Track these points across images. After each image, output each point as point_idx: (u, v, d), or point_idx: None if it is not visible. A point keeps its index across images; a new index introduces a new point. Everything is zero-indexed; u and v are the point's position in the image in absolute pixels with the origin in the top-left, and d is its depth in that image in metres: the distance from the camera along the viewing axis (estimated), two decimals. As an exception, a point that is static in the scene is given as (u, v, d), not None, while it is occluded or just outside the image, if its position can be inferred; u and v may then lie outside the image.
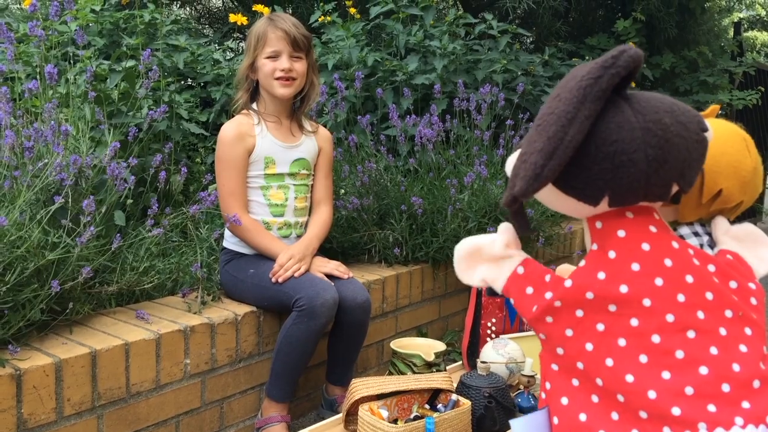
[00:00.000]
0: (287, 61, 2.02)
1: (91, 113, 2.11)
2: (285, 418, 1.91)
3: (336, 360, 2.07)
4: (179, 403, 1.80)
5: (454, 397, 1.59)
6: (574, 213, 1.05)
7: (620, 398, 0.96)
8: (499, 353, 1.79)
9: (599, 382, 0.98)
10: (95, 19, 2.88)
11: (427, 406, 1.62)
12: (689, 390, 0.94)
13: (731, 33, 6.17)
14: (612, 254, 1.01)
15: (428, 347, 1.91)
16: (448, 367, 1.99)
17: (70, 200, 1.74)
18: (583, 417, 0.99)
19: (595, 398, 0.99)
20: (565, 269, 1.10)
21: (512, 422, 1.05)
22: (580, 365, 1.00)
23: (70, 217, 1.72)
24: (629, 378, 0.96)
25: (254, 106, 2.11)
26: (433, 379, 1.63)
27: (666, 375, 0.95)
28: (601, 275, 1.00)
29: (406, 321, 2.53)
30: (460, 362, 2.07)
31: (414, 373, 1.82)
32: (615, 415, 0.97)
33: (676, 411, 0.93)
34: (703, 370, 0.95)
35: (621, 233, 1.02)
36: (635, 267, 1.00)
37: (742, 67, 5.03)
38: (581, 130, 0.92)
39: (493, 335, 1.98)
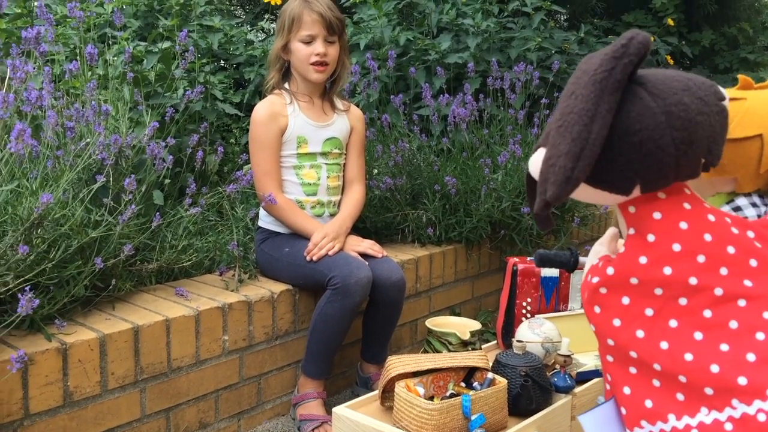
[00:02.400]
0: (322, 45, 2.02)
1: (130, 94, 2.13)
2: (321, 395, 1.93)
3: (371, 338, 2.08)
4: (218, 378, 1.83)
5: (490, 375, 1.60)
6: (606, 202, 1.05)
7: (682, 379, 0.96)
8: (535, 333, 1.79)
9: (657, 367, 0.98)
10: (130, 0, 2.91)
11: (462, 384, 1.63)
12: (751, 357, 0.94)
13: (773, 8, 5.97)
14: (651, 238, 1.01)
15: (463, 326, 1.92)
16: (482, 347, 2.00)
17: (111, 179, 1.77)
18: (648, 403, 0.99)
19: (656, 382, 0.98)
20: (612, 234, 1.09)
21: (580, 418, 1.05)
22: (633, 354, 1.00)
23: (111, 196, 1.76)
24: (688, 357, 0.96)
25: (286, 85, 2.12)
26: (469, 357, 1.63)
27: (724, 347, 0.95)
28: (643, 260, 1.00)
29: (440, 301, 2.54)
30: (495, 342, 2.07)
31: (449, 351, 1.83)
32: (680, 396, 0.96)
33: (742, 381, 0.92)
34: (760, 336, 0.94)
35: (657, 215, 1.01)
36: (676, 248, 0.99)
37: (784, 44, 4.88)
38: (605, 125, 0.91)
39: (528, 315, 1.97)
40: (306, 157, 2.08)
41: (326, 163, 2.11)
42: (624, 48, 0.91)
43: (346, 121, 2.16)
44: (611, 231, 1.12)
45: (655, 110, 0.93)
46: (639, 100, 0.94)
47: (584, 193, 1.02)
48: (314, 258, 1.94)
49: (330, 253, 1.95)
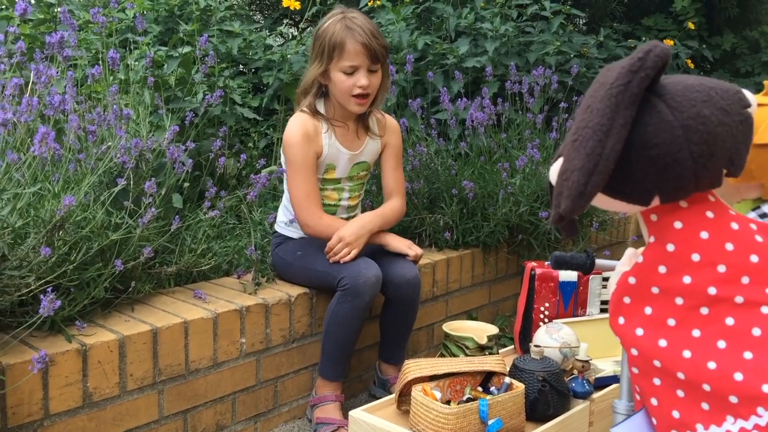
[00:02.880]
0: (365, 77, 1.91)
1: (151, 98, 2.16)
2: (339, 398, 1.94)
3: (388, 338, 2.08)
4: (235, 380, 1.84)
5: (507, 380, 1.59)
6: (627, 211, 1.05)
7: (706, 388, 0.96)
8: (553, 338, 1.78)
9: (681, 376, 0.98)
10: (151, 6, 2.94)
11: (479, 389, 1.62)
12: None
13: (796, 11, 5.89)
14: (670, 247, 1.00)
15: (480, 330, 1.91)
16: (500, 351, 1.99)
17: (131, 182, 1.79)
18: (676, 414, 0.99)
19: (680, 393, 0.98)
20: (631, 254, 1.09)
21: (613, 430, 1.05)
22: (657, 363, 1.00)
23: (131, 199, 1.78)
24: (711, 365, 0.95)
25: (321, 109, 2.02)
26: (486, 361, 1.63)
27: (748, 355, 0.94)
28: (662, 269, 1.00)
29: (456, 305, 2.53)
30: (512, 347, 2.07)
31: (466, 355, 1.83)
32: (705, 406, 0.97)
33: (767, 388, 0.92)
34: None
35: (678, 225, 1.00)
36: (695, 258, 0.98)
37: (807, 47, 4.81)
38: (619, 140, 0.91)
39: (546, 320, 1.96)
40: (331, 181, 2.06)
41: (350, 185, 2.09)
42: (641, 61, 0.91)
43: (378, 143, 2.11)
44: (629, 252, 1.12)
45: (673, 124, 0.93)
46: (657, 113, 0.94)
47: (604, 202, 1.02)
48: (331, 261, 1.93)
49: (346, 259, 1.91)
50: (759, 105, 1.22)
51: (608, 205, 1.02)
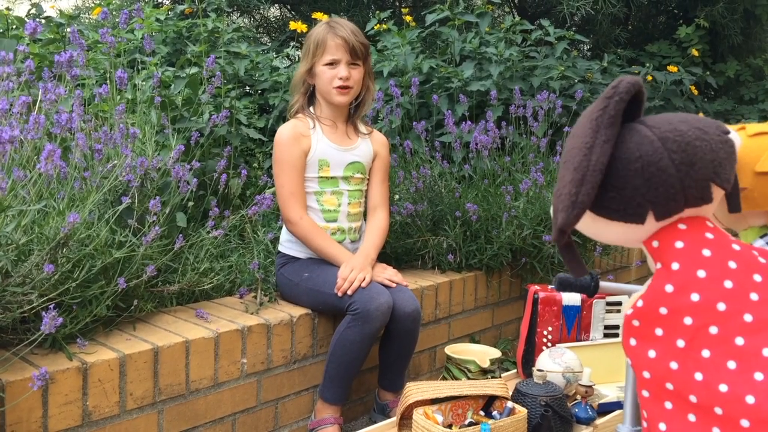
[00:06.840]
0: (345, 69, 2.03)
1: (157, 118, 2.17)
2: (338, 420, 1.92)
3: (387, 367, 2.06)
4: (236, 401, 1.83)
5: (509, 404, 1.58)
6: (630, 239, 1.08)
7: (718, 411, 0.96)
8: (556, 362, 1.76)
9: (693, 399, 0.98)
10: (159, 28, 2.98)
11: (481, 413, 1.61)
12: None
13: (799, 39, 5.92)
14: (675, 266, 1.02)
15: (483, 354, 1.90)
16: (502, 375, 1.97)
17: (136, 201, 1.80)
18: None
19: (692, 417, 0.98)
20: None
21: None
22: (669, 386, 1.00)
23: (135, 218, 1.78)
24: (723, 388, 0.96)
25: (311, 108, 2.13)
26: (489, 385, 1.62)
27: (759, 376, 0.94)
28: (669, 288, 1.01)
29: (459, 328, 2.52)
30: (515, 371, 2.05)
31: (469, 379, 1.81)
32: (716, 431, 0.96)
33: None
34: None
35: (679, 244, 1.03)
36: (701, 274, 1.00)
37: (811, 75, 4.83)
38: (603, 153, 1.00)
39: (549, 344, 1.95)
40: (328, 182, 2.08)
41: (348, 189, 2.10)
42: (614, 89, 1.01)
43: (369, 145, 2.16)
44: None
45: (651, 137, 1.02)
46: (637, 133, 1.04)
47: (606, 231, 1.06)
48: (349, 292, 1.90)
49: (363, 285, 1.90)
50: (762, 134, 1.24)
51: (611, 232, 1.05)
